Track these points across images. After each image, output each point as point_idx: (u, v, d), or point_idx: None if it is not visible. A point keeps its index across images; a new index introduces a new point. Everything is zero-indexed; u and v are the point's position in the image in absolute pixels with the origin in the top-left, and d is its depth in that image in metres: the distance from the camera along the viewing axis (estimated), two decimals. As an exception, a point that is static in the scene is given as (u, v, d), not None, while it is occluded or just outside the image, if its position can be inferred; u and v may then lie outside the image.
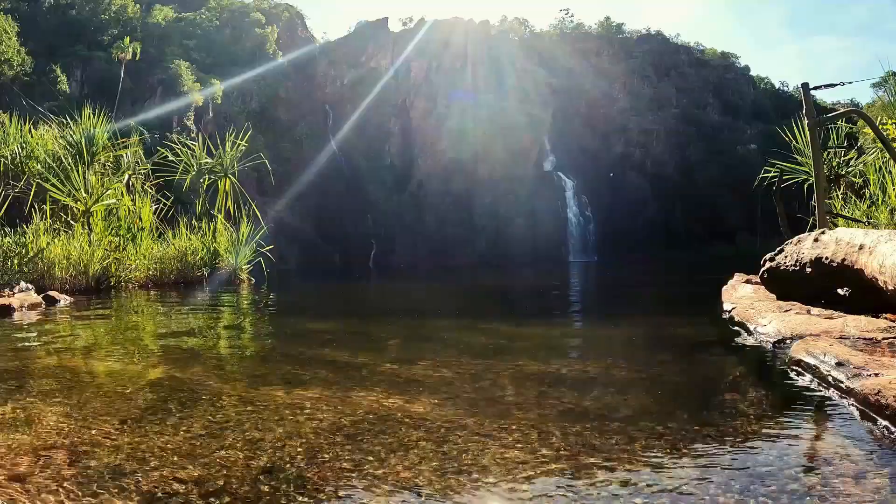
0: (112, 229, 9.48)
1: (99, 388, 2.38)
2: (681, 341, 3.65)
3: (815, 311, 3.38)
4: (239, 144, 12.18)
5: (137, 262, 9.39)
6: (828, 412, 1.89)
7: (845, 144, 6.95)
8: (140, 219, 10.10)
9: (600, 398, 2.17)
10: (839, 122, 6.81)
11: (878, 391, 1.73)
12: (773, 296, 4.11)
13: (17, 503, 1.30)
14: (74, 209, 9.50)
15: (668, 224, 55.53)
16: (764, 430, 1.74)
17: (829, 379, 2.08)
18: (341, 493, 1.36)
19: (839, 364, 2.08)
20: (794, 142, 6.94)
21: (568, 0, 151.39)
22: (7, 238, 8.05)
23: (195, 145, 12.22)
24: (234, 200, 11.69)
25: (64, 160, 10.16)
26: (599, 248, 50.50)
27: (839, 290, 3.75)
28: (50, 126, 11.67)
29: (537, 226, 50.77)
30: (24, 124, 10.80)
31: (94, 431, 1.78)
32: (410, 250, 48.51)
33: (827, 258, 3.50)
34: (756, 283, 4.67)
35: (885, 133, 5.50)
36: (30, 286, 6.82)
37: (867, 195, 6.20)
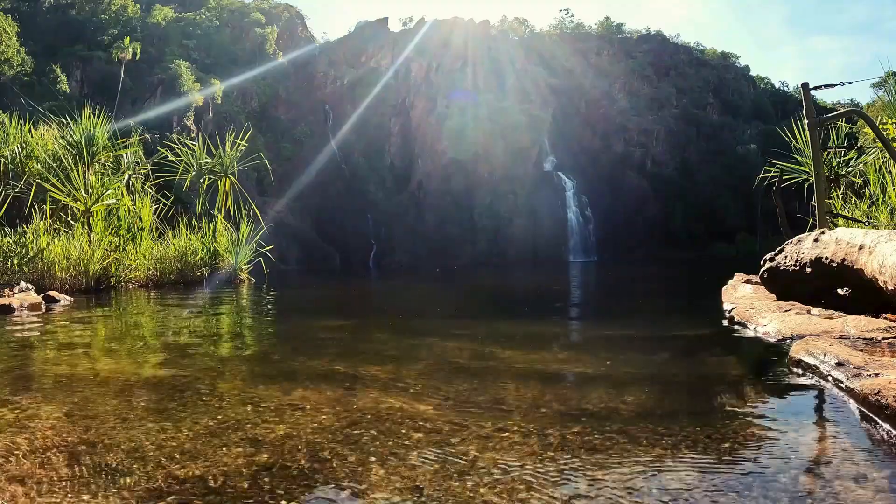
0: (112, 229, 9.48)
1: (99, 388, 2.38)
2: (681, 341, 3.65)
3: (815, 311, 3.38)
4: (239, 144, 12.18)
5: (137, 262, 9.39)
6: (828, 412, 1.89)
7: (845, 144, 6.94)
8: (140, 219, 10.09)
9: (600, 398, 2.17)
10: (839, 122, 6.81)
11: (878, 391, 1.73)
12: (773, 296, 4.11)
13: (18, 503, 1.30)
14: (74, 209, 9.50)
15: (668, 224, 55.55)
16: (764, 430, 1.74)
17: (829, 379, 2.08)
18: (342, 493, 1.36)
19: (839, 364, 2.08)
20: (794, 142, 6.93)
21: (568, 0, 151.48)
22: (7, 238, 8.05)
23: (195, 145, 12.22)
24: (234, 200, 11.69)
25: (64, 160, 10.16)
26: (599, 248, 50.53)
27: (839, 290, 3.75)
28: (50, 126, 11.67)
29: (537, 226, 50.79)
30: (24, 124, 10.80)
31: (94, 431, 1.78)
32: (410, 250, 48.54)
33: (827, 258, 3.50)
34: (756, 283, 4.67)
35: (885, 133, 5.50)
36: (30, 286, 6.82)
37: (867, 195, 6.19)
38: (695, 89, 67.82)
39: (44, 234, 8.31)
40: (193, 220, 10.99)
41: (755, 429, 1.76)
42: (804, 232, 4.34)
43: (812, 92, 5.52)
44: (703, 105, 67.50)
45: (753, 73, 78.48)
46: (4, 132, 10.48)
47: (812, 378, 2.21)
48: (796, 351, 2.44)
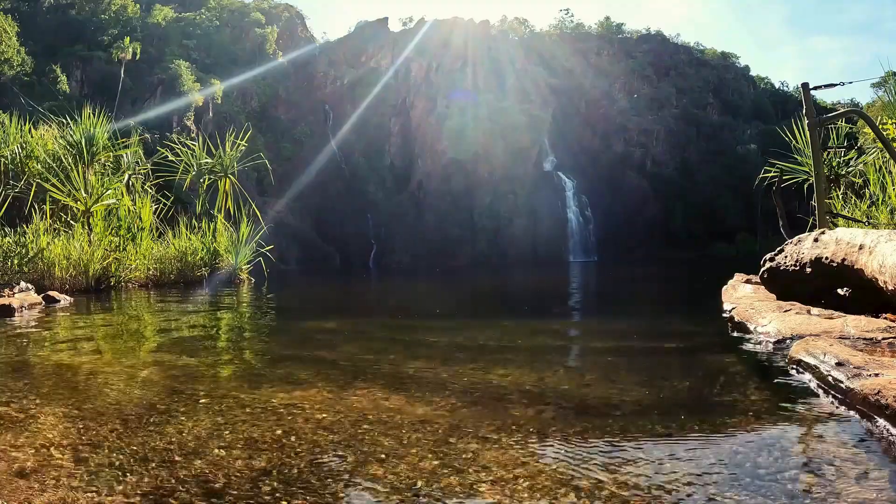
0: (112, 229, 9.48)
1: (99, 388, 2.38)
2: (681, 341, 3.65)
3: (815, 311, 3.38)
4: (239, 144, 12.18)
5: (137, 262, 9.39)
6: (828, 412, 1.89)
7: (845, 144, 6.94)
8: (140, 219, 10.09)
9: (600, 397, 2.17)
10: (839, 122, 6.81)
11: (878, 391, 1.73)
12: (773, 296, 4.11)
13: (19, 502, 1.30)
14: (74, 209, 9.51)
15: (668, 224, 55.55)
16: (764, 430, 1.74)
17: (829, 379, 2.08)
18: (341, 493, 1.36)
19: (839, 364, 2.08)
20: (794, 142, 6.93)
21: (568, 0, 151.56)
22: (7, 238, 8.05)
23: (195, 145, 12.22)
24: (234, 200, 11.69)
25: (64, 160, 10.16)
26: (599, 248, 50.52)
27: (839, 290, 3.75)
28: (50, 126, 11.67)
29: (537, 226, 50.79)
30: (24, 124, 10.80)
31: (94, 431, 1.78)
32: (410, 250, 48.55)
33: (827, 258, 3.49)
34: (756, 283, 4.67)
35: (885, 133, 5.50)
36: (30, 286, 6.82)
37: (867, 195, 6.19)
38: (695, 89, 67.81)
39: (44, 234, 8.31)
40: (193, 220, 10.99)
41: (755, 429, 1.76)
42: (804, 232, 4.34)
43: (812, 92, 5.52)
44: (703, 105, 67.50)
45: (753, 73, 78.53)
46: (4, 132, 10.48)
47: (812, 378, 2.21)
48: (796, 351, 2.44)
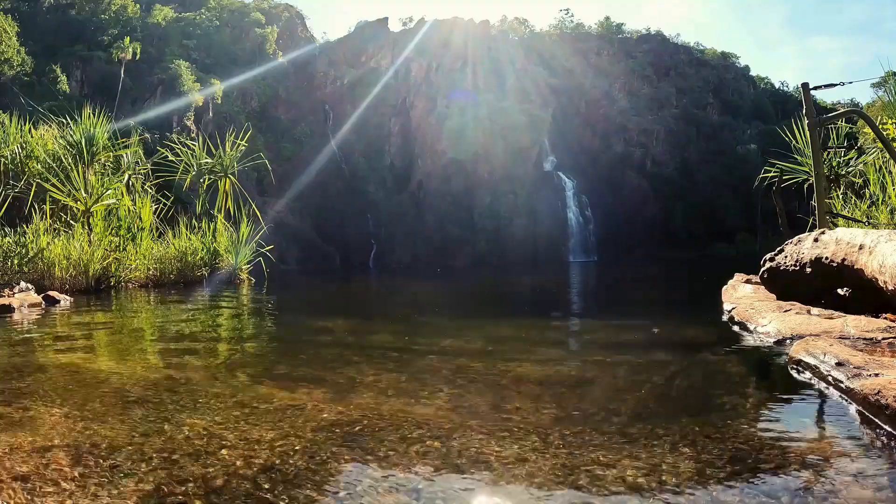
0: (112, 229, 9.48)
1: (99, 389, 2.38)
2: (681, 341, 3.65)
3: (815, 311, 3.38)
4: (239, 144, 12.19)
5: (137, 262, 9.39)
6: (828, 412, 1.89)
7: (845, 144, 6.94)
8: (140, 219, 10.10)
9: (599, 398, 2.17)
10: (839, 122, 6.81)
11: (878, 391, 1.73)
12: (773, 296, 4.11)
13: (19, 503, 1.30)
14: (74, 209, 9.51)
15: (668, 224, 55.53)
16: (764, 430, 1.74)
17: (829, 379, 2.08)
18: (341, 493, 1.36)
19: (839, 364, 2.08)
20: (794, 142, 6.94)
21: (568, 0, 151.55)
22: (7, 238, 8.06)
23: (195, 145, 12.23)
24: (234, 200, 11.70)
25: (64, 160, 10.17)
26: (599, 248, 50.51)
27: (839, 290, 3.75)
28: (50, 126, 11.68)
29: (537, 226, 50.77)
30: (24, 124, 10.80)
31: (94, 431, 1.78)
32: (410, 250, 48.54)
33: (827, 258, 3.50)
34: (756, 283, 4.67)
35: (885, 133, 5.50)
36: (30, 286, 6.82)
37: (867, 195, 6.19)
38: (695, 89, 67.80)
39: (44, 234, 8.31)
40: (193, 220, 11.00)
41: (755, 429, 1.76)
42: (804, 232, 4.34)
43: (812, 92, 5.52)
44: (703, 105, 67.49)
45: (753, 73, 78.50)
46: (4, 132, 10.48)
47: (812, 378, 2.21)
48: (796, 351, 2.44)
